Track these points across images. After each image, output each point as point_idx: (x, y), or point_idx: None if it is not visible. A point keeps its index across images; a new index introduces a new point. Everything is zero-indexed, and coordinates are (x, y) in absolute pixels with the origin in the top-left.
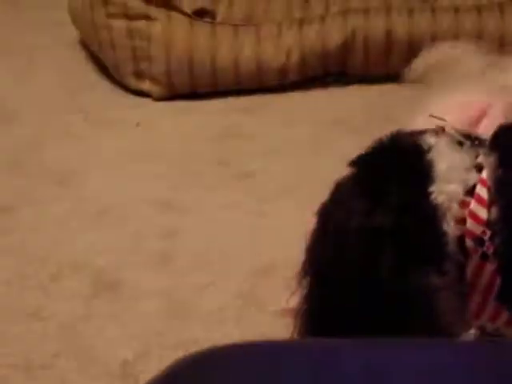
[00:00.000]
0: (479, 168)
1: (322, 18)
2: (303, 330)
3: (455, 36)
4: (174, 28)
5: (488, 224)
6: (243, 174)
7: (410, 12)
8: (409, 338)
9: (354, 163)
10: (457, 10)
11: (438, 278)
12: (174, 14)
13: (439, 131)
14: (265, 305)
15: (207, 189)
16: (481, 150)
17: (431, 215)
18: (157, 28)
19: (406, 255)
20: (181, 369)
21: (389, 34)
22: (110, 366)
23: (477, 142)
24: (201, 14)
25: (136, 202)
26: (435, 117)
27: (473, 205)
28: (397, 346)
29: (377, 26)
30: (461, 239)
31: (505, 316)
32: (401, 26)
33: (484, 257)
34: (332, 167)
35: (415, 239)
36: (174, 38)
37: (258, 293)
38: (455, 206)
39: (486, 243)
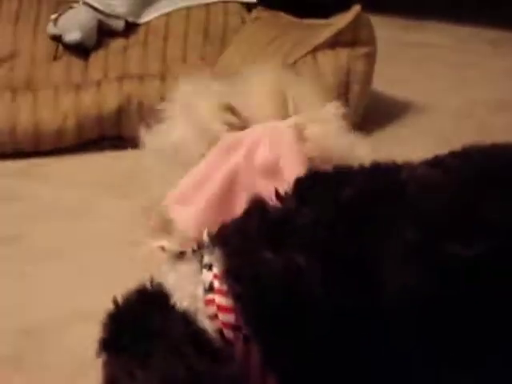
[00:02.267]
0: (209, 266)
1: (99, 83)
2: None
3: None
4: None
5: (235, 311)
6: (10, 237)
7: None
8: None
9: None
10: None
11: (220, 369)
12: None
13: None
14: (32, 368)
15: None
16: (204, 251)
17: (183, 321)
18: None
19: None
20: None
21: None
22: None
23: (197, 247)
24: None
25: None
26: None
27: (217, 299)
28: None
29: (151, 91)
30: (221, 331)
31: None
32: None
33: (246, 339)
34: (101, 232)
35: (189, 348)
36: None
37: (24, 356)
38: (202, 306)
39: (243, 327)
